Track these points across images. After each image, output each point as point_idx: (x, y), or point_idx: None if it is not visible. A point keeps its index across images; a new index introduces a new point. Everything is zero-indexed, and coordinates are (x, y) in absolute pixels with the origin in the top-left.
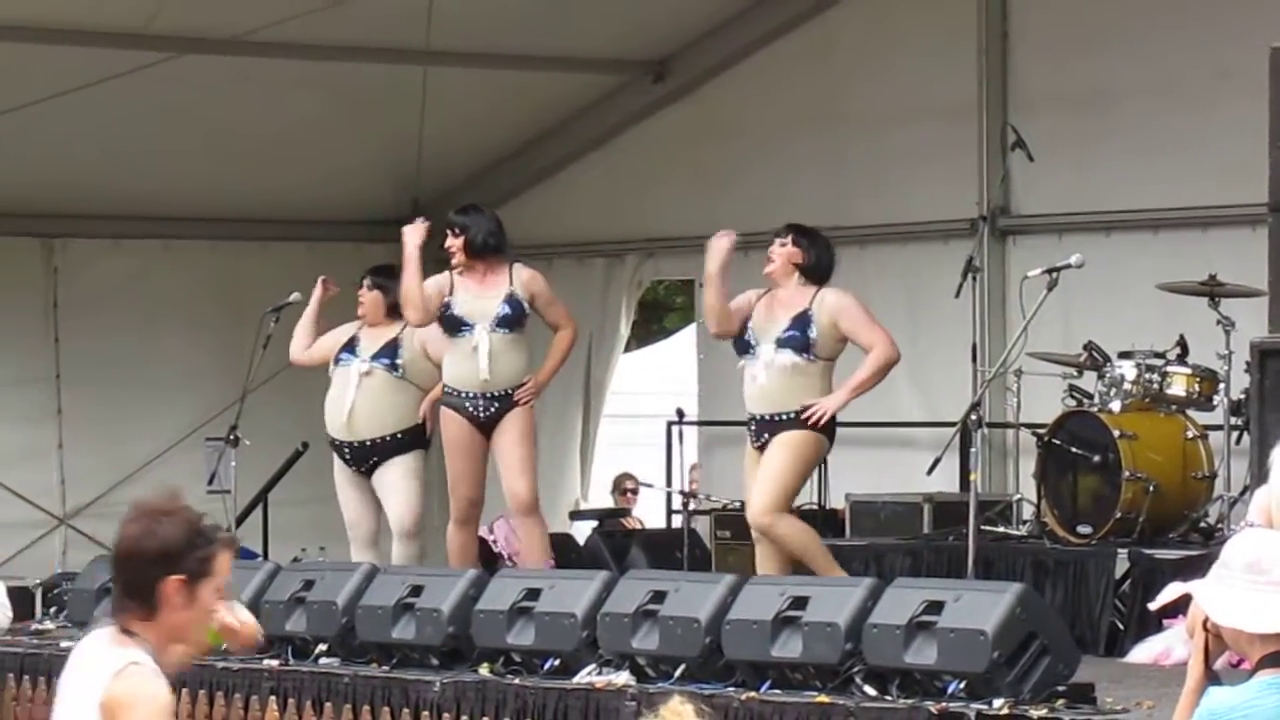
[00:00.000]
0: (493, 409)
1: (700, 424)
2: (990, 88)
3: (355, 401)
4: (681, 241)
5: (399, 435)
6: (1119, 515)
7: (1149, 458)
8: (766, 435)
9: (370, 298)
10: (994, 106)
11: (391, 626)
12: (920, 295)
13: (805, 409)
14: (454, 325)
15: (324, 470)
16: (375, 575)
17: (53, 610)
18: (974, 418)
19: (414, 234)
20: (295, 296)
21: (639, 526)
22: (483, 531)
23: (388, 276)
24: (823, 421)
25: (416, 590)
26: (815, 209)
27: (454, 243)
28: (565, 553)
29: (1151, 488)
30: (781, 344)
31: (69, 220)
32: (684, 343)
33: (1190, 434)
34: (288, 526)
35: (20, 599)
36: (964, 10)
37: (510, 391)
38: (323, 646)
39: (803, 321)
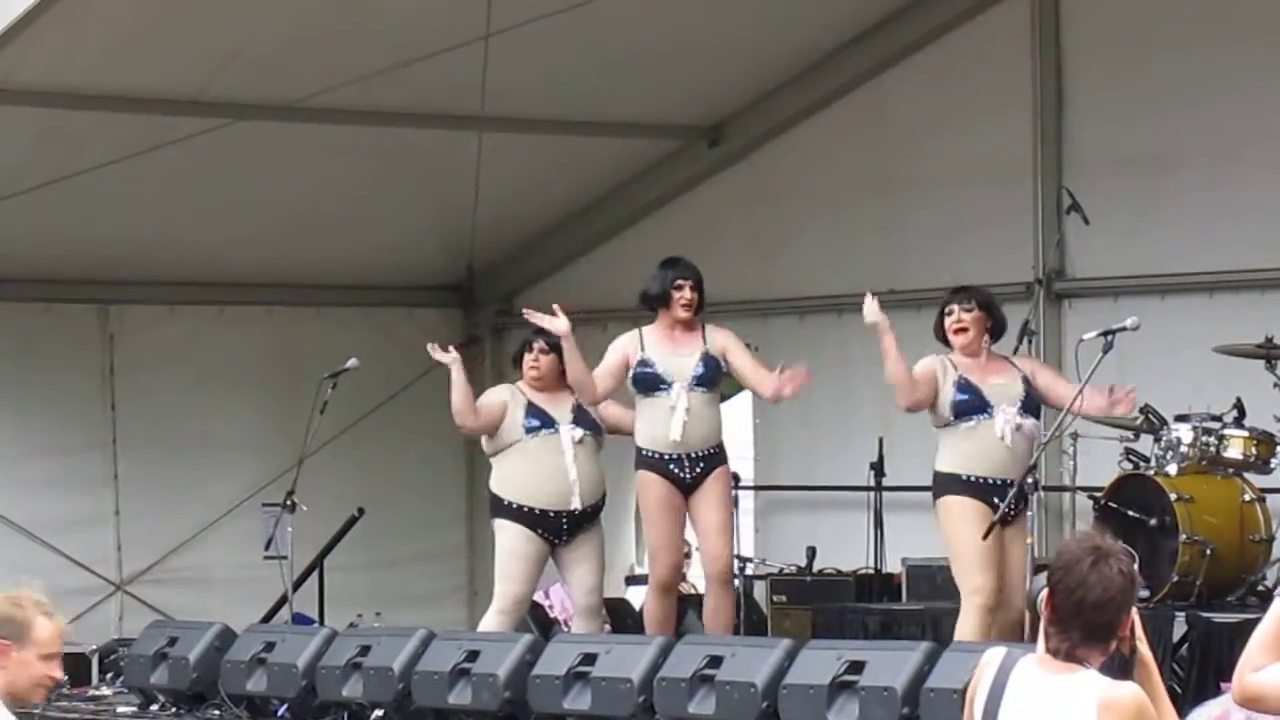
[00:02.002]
0: (699, 469)
1: (757, 489)
2: (1045, 151)
3: (579, 470)
4: (737, 306)
5: (601, 500)
6: (1176, 578)
7: (1206, 521)
8: (1021, 504)
9: (546, 361)
10: (1049, 169)
11: (448, 692)
12: None
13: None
14: (651, 384)
15: (379, 536)
16: (431, 640)
17: (109, 676)
18: (1030, 481)
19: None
20: (352, 362)
21: (694, 591)
22: (538, 596)
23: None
24: None
25: (473, 655)
26: (871, 272)
27: (693, 297)
28: (621, 618)
29: (1208, 551)
30: (1026, 410)
31: (124, 286)
32: (740, 407)
33: (1247, 497)
34: (344, 592)
35: (77, 665)
36: (1018, 73)
37: (713, 451)
38: (379, 712)
39: (1029, 385)
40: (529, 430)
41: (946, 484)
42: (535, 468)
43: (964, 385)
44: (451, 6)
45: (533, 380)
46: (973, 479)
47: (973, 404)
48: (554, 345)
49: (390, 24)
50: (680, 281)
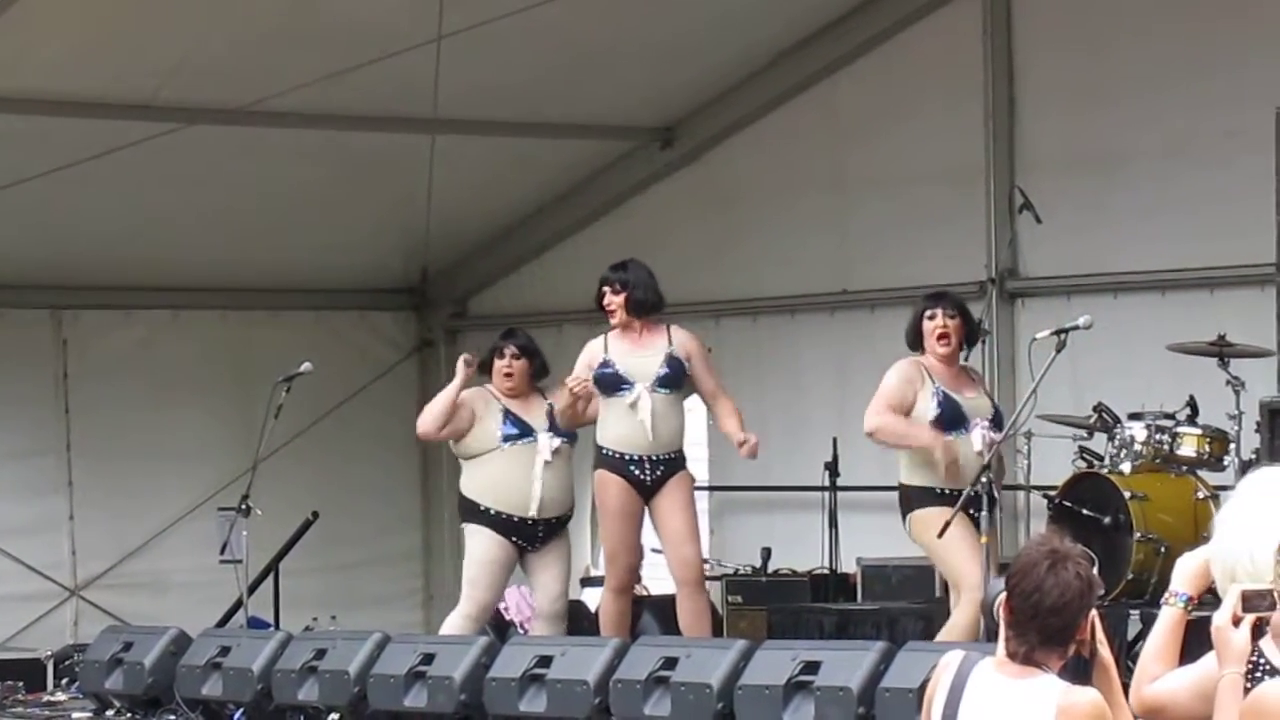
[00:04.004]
0: (659, 472)
1: (711, 489)
2: (997, 150)
3: (552, 478)
4: (691, 306)
5: (572, 506)
6: (1130, 576)
7: (1160, 519)
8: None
9: (519, 367)
10: (1001, 169)
11: (404, 695)
12: None
13: None
14: (612, 384)
15: (334, 539)
16: (387, 644)
17: (64, 681)
18: (985, 480)
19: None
20: (306, 366)
21: (647, 593)
22: None
23: (529, 341)
24: None
25: (428, 658)
26: (823, 273)
27: (614, 299)
28: (577, 619)
29: (1163, 549)
30: (994, 423)
31: (78, 291)
32: (694, 408)
33: (1201, 494)
34: (299, 595)
35: (32, 670)
36: (970, 73)
37: (674, 455)
38: (335, 716)
39: (990, 398)
40: (507, 439)
41: (920, 498)
42: (514, 475)
43: (944, 399)
44: (404, 9)
45: (507, 389)
46: (947, 492)
47: (953, 420)
48: (525, 349)
49: (342, 27)
50: (603, 287)
